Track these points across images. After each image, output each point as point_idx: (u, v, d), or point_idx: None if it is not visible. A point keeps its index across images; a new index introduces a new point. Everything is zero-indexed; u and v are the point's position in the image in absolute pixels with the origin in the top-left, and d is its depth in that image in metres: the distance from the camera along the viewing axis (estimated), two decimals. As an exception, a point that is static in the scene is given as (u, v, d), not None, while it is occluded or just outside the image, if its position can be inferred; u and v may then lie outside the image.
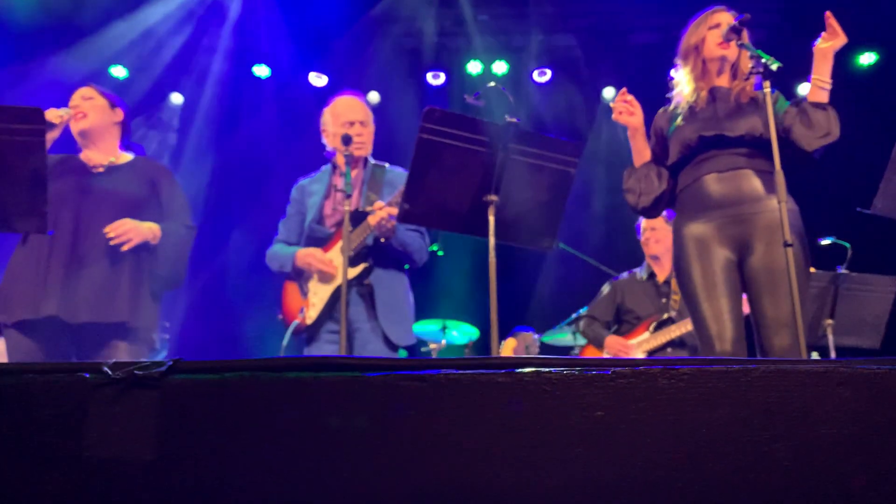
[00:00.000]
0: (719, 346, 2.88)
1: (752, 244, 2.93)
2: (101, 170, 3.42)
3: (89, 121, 3.44)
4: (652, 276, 4.70)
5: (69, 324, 3.13)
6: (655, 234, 4.65)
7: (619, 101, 3.14)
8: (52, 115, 3.21)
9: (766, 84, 2.86)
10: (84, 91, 3.51)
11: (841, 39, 2.92)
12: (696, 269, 2.97)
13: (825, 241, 4.55)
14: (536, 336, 6.34)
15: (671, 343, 4.46)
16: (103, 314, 3.17)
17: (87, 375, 1.29)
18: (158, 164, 3.74)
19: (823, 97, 2.96)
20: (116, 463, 1.25)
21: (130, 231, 3.23)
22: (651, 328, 4.52)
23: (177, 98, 7.36)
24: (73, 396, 1.28)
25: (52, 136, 3.23)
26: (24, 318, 3.12)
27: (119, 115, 3.55)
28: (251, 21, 6.91)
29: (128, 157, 3.54)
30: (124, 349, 3.22)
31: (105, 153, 3.48)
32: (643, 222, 4.70)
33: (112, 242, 3.19)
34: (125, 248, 3.21)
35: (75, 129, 3.45)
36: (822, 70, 2.96)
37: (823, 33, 2.94)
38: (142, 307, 3.28)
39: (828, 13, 2.91)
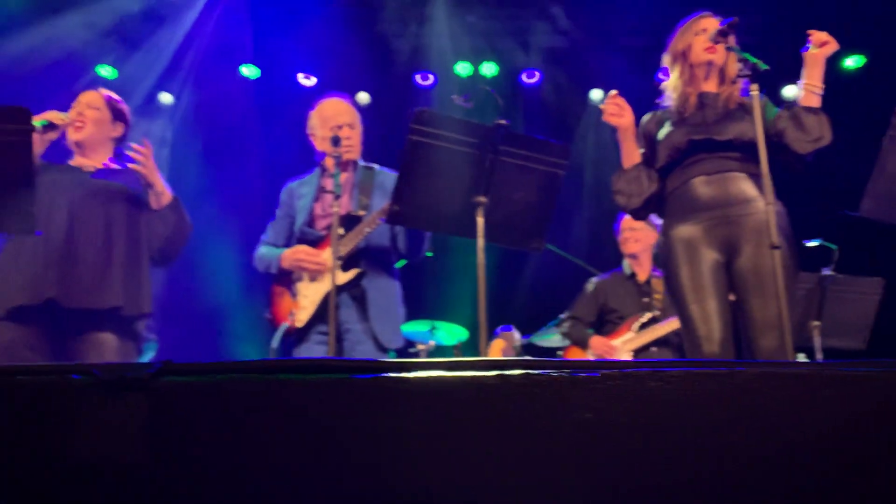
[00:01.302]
0: (707, 347, 2.89)
1: (740, 246, 2.95)
2: (92, 170, 3.42)
3: (86, 132, 3.41)
4: (633, 275, 4.72)
5: (64, 308, 3.12)
6: (635, 234, 4.68)
7: (608, 103, 3.14)
8: (54, 116, 3.21)
9: (754, 87, 2.87)
10: (92, 98, 3.47)
11: (832, 45, 2.94)
12: (684, 271, 2.98)
13: (812, 243, 4.57)
14: (518, 334, 6.36)
15: (655, 342, 4.48)
16: (98, 300, 3.16)
17: (76, 377, 1.28)
18: None
19: (815, 102, 2.98)
20: (106, 465, 1.25)
21: (152, 165, 3.26)
22: (635, 327, 4.54)
23: (166, 98, 7.32)
24: (62, 398, 1.27)
25: (50, 137, 3.23)
26: (22, 304, 3.09)
27: (119, 130, 3.53)
28: (238, 21, 6.89)
29: (118, 167, 3.51)
30: (112, 344, 3.20)
31: (96, 162, 3.46)
32: (623, 222, 4.73)
33: (133, 155, 3.23)
34: (135, 167, 3.24)
35: (72, 137, 3.41)
36: (814, 75, 2.97)
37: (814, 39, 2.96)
38: (136, 295, 3.28)
39: (810, 32, 2.94)
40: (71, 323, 3.18)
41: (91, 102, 3.46)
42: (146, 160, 3.25)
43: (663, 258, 3.11)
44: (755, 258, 2.90)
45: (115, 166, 3.50)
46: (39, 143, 3.21)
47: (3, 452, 1.26)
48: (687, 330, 2.97)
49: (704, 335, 2.89)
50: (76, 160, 3.45)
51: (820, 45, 2.94)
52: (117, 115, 3.52)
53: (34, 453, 1.26)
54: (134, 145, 3.25)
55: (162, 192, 3.35)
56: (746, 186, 2.98)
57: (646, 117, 3.30)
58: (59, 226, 3.20)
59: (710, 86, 3.16)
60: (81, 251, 3.20)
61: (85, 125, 3.41)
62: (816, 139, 2.95)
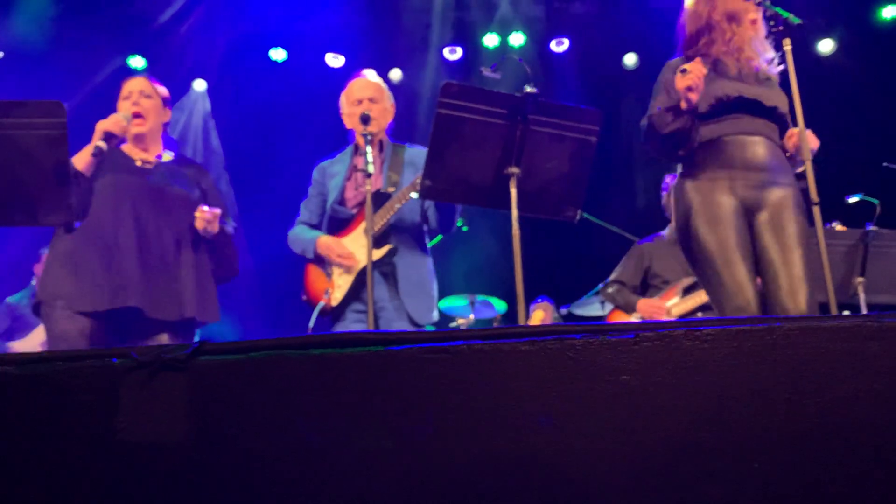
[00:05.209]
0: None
1: (763, 209, 2.88)
2: (150, 167, 3.32)
3: (148, 124, 3.33)
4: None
5: (146, 318, 3.08)
6: None
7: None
8: (114, 126, 3.10)
9: (787, 42, 2.82)
10: (143, 85, 3.37)
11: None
12: (713, 235, 2.87)
13: (853, 199, 4.48)
14: (553, 306, 6.37)
15: (702, 307, 4.43)
16: (171, 312, 3.13)
17: (115, 361, 1.30)
18: (197, 164, 3.62)
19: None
20: (148, 446, 1.27)
21: (216, 222, 3.23)
22: (680, 292, 4.49)
23: (199, 85, 7.37)
24: (102, 382, 1.30)
25: (111, 145, 3.12)
26: (84, 311, 3.03)
27: (168, 115, 3.46)
28: (265, 4, 6.91)
29: (169, 155, 3.44)
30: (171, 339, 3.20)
31: (152, 152, 3.38)
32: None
33: (199, 224, 3.19)
34: (207, 231, 3.21)
35: (132, 131, 3.29)
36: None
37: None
38: (208, 303, 3.26)
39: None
40: (138, 326, 3.13)
41: (144, 90, 3.35)
42: (214, 224, 3.21)
43: (685, 212, 2.96)
44: (779, 219, 2.84)
45: (167, 155, 3.41)
46: (94, 163, 3.14)
47: (48, 436, 1.29)
48: (720, 297, 2.86)
49: (742, 305, 2.78)
50: (132, 151, 3.34)
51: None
52: (165, 100, 3.45)
53: (77, 436, 1.28)
54: (202, 211, 3.19)
55: (214, 231, 3.26)
56: (779, 155, 2.94)
57: (675, 63, 3.19)
58: (128, 226, 3.13)
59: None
60: (153, 257, 3.14)
61: (146, 118, 3.33)
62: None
